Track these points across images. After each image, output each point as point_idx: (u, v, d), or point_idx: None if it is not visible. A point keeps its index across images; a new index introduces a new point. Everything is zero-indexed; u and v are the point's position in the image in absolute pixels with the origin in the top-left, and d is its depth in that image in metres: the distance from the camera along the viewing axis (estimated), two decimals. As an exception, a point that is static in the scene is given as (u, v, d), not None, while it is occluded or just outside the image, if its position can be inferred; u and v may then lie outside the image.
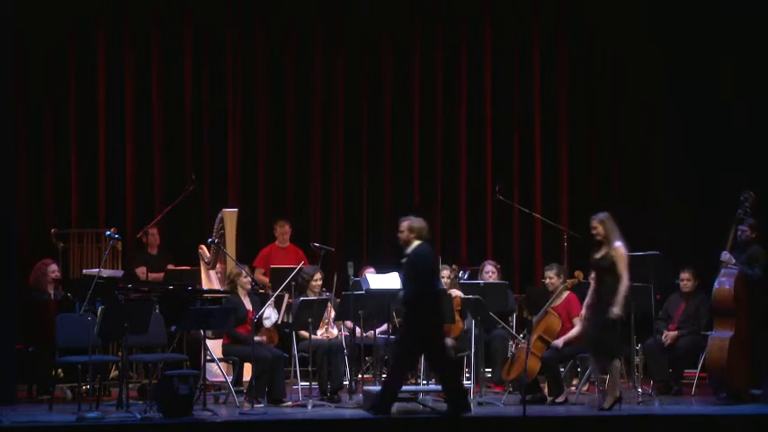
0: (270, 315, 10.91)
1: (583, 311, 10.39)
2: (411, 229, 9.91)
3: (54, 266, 11.52)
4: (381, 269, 11.27)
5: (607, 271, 10.05)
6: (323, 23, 13.90)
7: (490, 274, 11.75)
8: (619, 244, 10.05)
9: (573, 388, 11.42)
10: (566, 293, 10.93)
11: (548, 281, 11.12)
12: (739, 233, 10.71)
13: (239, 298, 10.95)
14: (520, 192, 14.01)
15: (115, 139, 13.54)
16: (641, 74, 13.96)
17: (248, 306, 10.92)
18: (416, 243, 9.90)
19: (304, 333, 10.81)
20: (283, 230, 12.77)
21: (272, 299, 11.02)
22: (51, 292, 11.37)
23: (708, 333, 10.92)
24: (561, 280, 11.01)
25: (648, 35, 13.87)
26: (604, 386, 11.31)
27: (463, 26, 14.09)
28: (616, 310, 9.92)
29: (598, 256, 10.13)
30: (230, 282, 11.12)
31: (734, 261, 10.59)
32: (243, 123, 13.80)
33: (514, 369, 10.66)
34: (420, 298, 9.79)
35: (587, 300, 10.26)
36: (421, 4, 14.09)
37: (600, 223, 10.14)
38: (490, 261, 12.04)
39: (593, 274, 10.30)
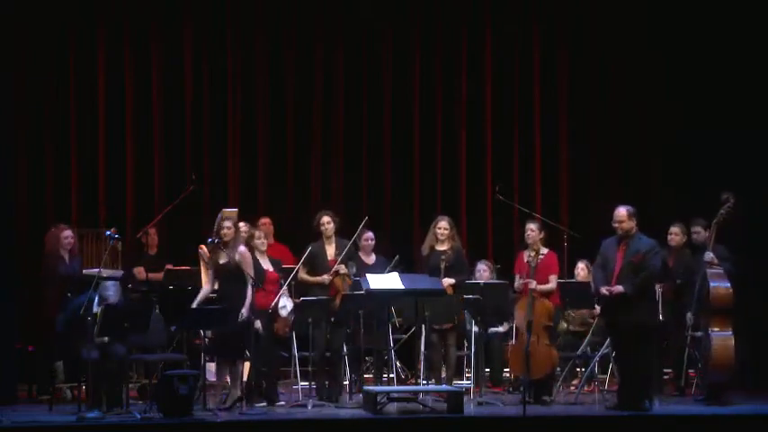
0: (285, 304, 10.84)
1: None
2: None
3: (68, 232, 11.28)
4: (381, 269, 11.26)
5: (233, 275, 10.14)
6: (323, 23, 13.89)
7: (481, 272, 11.65)
8: (243, 248, 10.08)
9: (573, 388, 11.42)
10: (545, 251, 11.10)
11: (528, 232, 11.16)
12: (693, 236, 10.72)
13: (257, 259, 10.79)
14: (520, 192, 14.00)
15: (115, 138, 13.53)
16: (641, 74, 13.95)
17: (266, 266, 10.83)
18: None
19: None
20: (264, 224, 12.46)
21: (285, 287, 10.94)
22: (66, 257, 11.19)
23: (697, 334, 10.83)
24: (540, 235, 11.17)
25: (649, 35, 13.88)
26: (605, 386, 11.34)
27: (463, 26, 14.09)
28: (244, 311, 10.01)
29: (221, 261, 10.22)
30: (247, 245, 10.94)
31: (716, 261, 10.53)
32: (243, 123, 13.80)
33: (535, 367, 10.43)
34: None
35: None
36: (421, 4, 14.09)
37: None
38: (484, 261, 12.01)
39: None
